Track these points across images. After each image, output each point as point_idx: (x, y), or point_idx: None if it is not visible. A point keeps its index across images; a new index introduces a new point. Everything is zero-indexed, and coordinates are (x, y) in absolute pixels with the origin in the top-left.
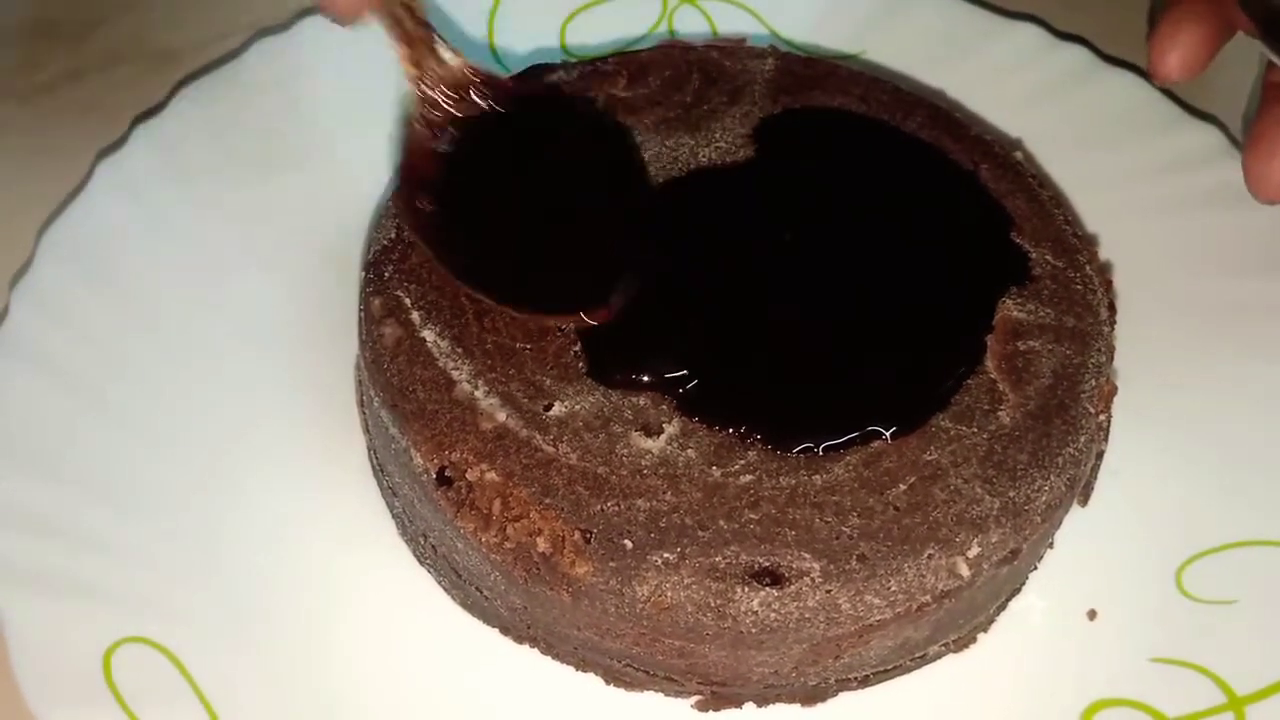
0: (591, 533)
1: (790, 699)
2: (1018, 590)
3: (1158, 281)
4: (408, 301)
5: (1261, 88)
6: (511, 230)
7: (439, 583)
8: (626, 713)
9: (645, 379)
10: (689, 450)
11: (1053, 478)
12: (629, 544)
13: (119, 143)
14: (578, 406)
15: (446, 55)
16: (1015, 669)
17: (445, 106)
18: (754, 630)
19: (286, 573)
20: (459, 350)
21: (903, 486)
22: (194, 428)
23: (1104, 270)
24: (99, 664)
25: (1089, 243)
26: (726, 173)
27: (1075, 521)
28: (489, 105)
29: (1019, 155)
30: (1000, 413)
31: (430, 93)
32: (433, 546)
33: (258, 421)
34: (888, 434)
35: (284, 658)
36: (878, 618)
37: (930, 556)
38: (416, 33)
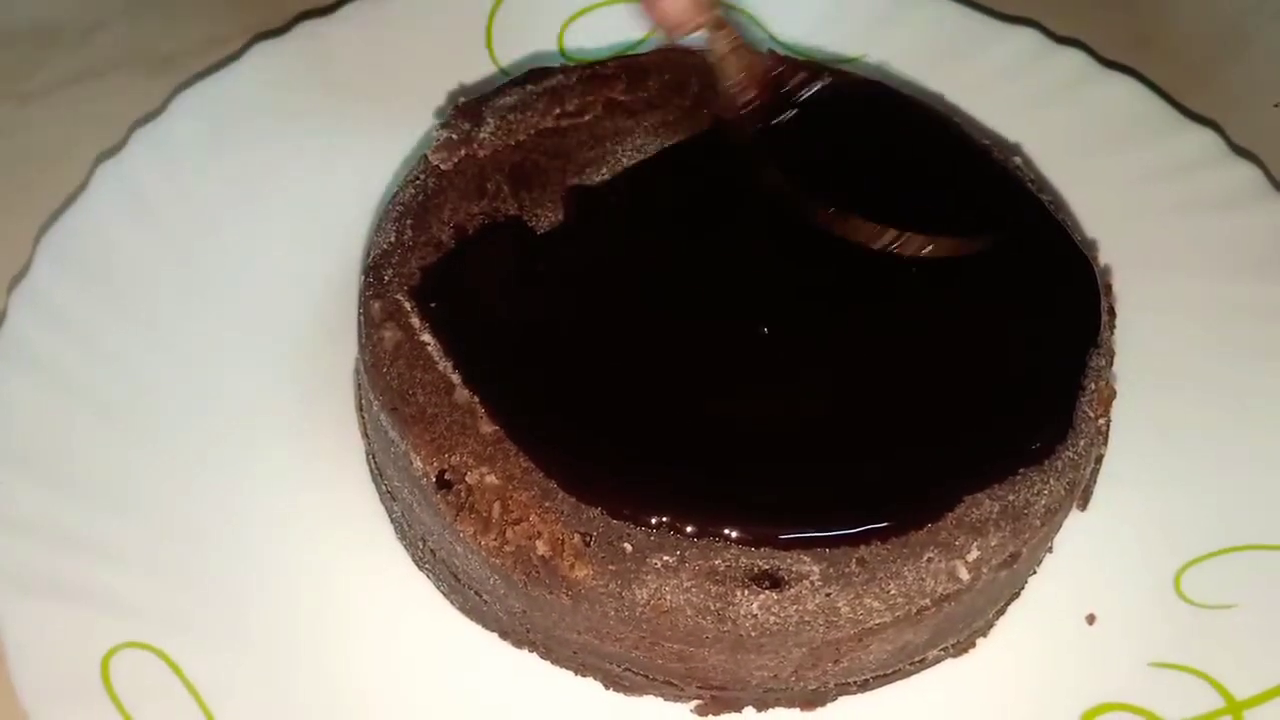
0: (591, 536)
1: (790, 703)
2: (1017, 594)
3: (1157, 285)
4: (407, 305)
5: None
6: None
7: (438, 587)
8: (626, 717)
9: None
10: None
11: (1052, 481)
12: (629, 547)
13: (118, 147)
14: None
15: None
16: (1015, 673)
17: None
18: (753, 633)
19: (285, 577)
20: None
21: None
22: (192, 431)
23: (1103, 274)
24: (97, 668)
25: (1088, 247)
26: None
27: (1074, 525)
28: (789, 92)
29: (1018, 159)
30: None
31: (743, 86)
32: (431, 550)
33: (256, 425)
34: None
35: (283, 662)
36: (877, 621)
37: (929, 560)
38: (732, 35)
